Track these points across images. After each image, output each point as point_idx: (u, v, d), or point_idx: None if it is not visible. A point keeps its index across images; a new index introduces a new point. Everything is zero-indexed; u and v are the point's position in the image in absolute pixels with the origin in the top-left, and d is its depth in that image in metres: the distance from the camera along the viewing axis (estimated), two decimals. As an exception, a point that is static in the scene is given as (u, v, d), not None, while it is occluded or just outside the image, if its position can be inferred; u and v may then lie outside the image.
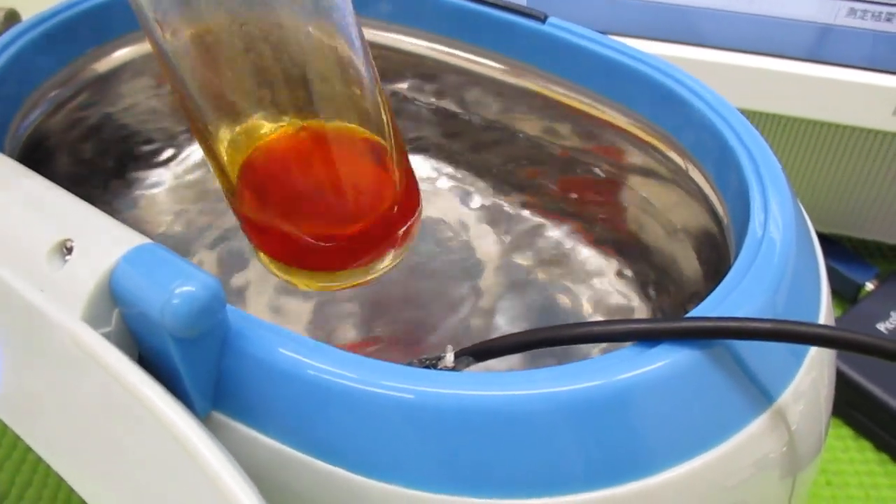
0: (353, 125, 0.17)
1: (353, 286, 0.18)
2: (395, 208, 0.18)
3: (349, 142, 0.17)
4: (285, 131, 0.17)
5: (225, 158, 0.17)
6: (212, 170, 0.18)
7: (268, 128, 0.17)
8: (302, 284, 0.18)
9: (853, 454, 0.27)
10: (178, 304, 0.12)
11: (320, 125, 0.17)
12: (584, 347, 0.21)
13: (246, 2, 0.16)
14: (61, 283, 0.13)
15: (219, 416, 0.14)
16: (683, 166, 0.20)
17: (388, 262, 0.18)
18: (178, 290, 0.12)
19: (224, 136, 0.17)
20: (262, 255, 0.18)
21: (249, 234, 0.18)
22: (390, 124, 0.18)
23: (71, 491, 0.21)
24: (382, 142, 0.18)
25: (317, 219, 0.17)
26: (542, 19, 0.22)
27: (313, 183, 0.18)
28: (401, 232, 0.18)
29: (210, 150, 0.17)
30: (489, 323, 0.22)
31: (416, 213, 0.19)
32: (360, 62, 0.17)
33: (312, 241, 0.17)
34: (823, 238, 0.31)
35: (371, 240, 0.18)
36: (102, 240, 0.13)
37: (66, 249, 0.13)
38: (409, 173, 0.19)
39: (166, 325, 0.12)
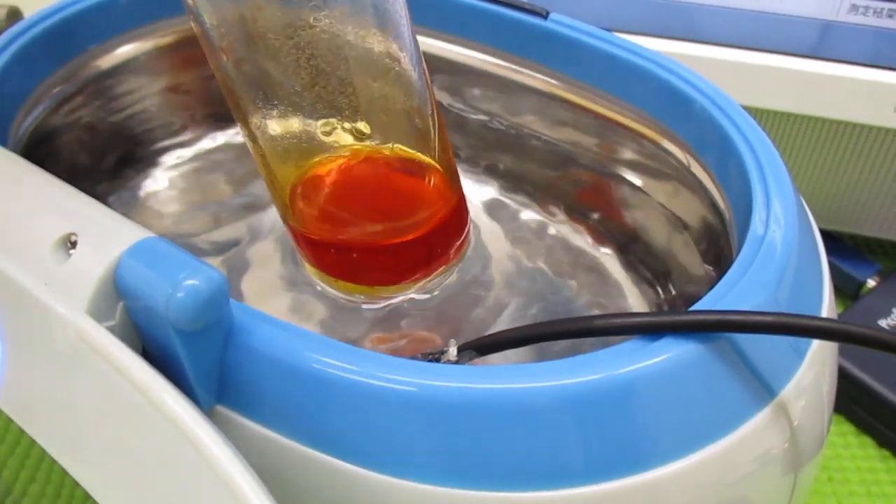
0: (410, 150, 0.18)
1: (397, 301, 0.19)
2: (445, 227, 0.18)
3: (405, 164, 0.18)
4: (345, 157, 0.17)
5: (276, 172, 0.18)
6: (266, 185, 0.18)
7: (324, 146, 0.17)
8: (351, 294, 0.19)
9: (855, 450, 0.27)
10: (183, 298, 0.12)
11: (377, 150, 0.17)
12: (591, 341, 0.21)
13: (300, 11, 0.16)
14: (66, 276, 0.13)
15: (222, 410, 0.15)
16: (686, 162, 0.20)
17: (436, 280, 0.19)
18: (183, 283, 0.12)
19: (277, 153, 0.17)
20: (311, 268, 0.19)
21: (303, 250, 0.18)
22: (444, 147, 0.18)
23: (75, 485, 0.21)
24: (435, 164, 0.18)
25: (370, 233, 0.18)
26: (545, 15, 0.22)
27: (369, 200, 0.18)
28: (451, 251, 0.19)
29: (266, 167, 0.17)
30: (493, 317, 0.22)
31: (465, 232, 0.19)
32: (417, 80, 0.17)
33: (364, 256, 0.18)
34: (825, 234, 0.31)
35: (421, 257, 0.18)
36: (106, 234, 0.13)
37: (70, 243, 0.13)
38: (459, 195, 0.19)
39: (171, 319, 0.12)
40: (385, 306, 0.20)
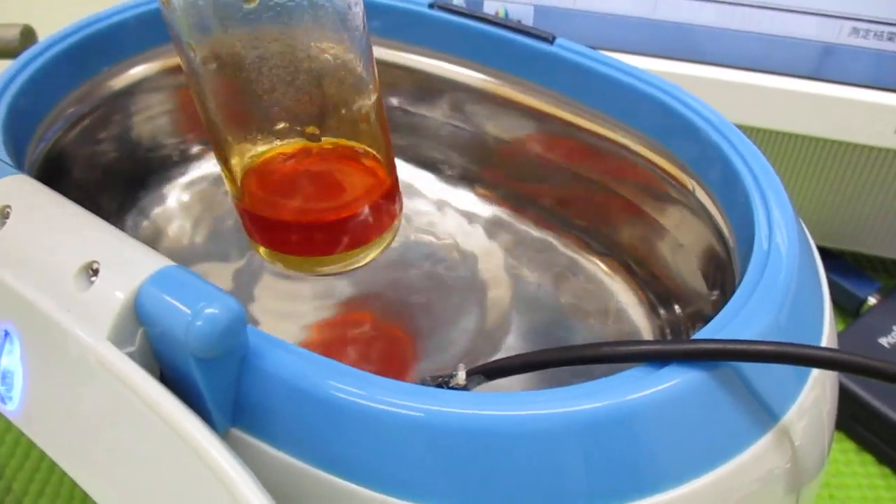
0: (353, 142, 0.20)
1: (340, 272, 0.20)
2: (378, 207, 0.20)
3: (345, 150, 0.20)
4: (291, 145, 0.19)
5: (235, 165, 0.19)
6: (222, 175, 0.20)
7: (276, 142, 0.19)
8: (296, 269, 0.20)
9: (856, 467, 0.27)
10: (202, 326, 0.13)
11: (325, 144, 0.19)
12: (600, 367, 0.21)
13: (268, 25, 0.17)
14: (88, 303, 0.13)
15: (237, 433, 0.15)
16: (689, 186, 0.21)
17: (371, 254, 0.21)
18: (203, 312, 0.13)
19: (237, 148, 0.19)
20: (260, 248, 0.20)
21: (250, 230, 0.20)
22: (384, 136, 0.20)
23: (85, 496, 0.21)
24: (374, 151, 0.20)
25: (311, 210, 0.20)
26: (551, 40, 0.22)
27: (310, 183, 0.20)
28: (382, 228, 0.20)
29: (222, 157, 0.19)
30: (496, 338, 0.23)
31: (396, 218, 0.21)
32: (369, 82, 0.19)
33: (304, 226, 0.19)
34: (826, 253, 0.32)
35: (354, 230, 0.20)
36: (128, 262, 0.14)
37: (92, 271, 0.14)
38: (393, 178, 0.21)
39: (190, 346, 0.13)
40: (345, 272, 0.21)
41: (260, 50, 0.17)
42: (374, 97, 0.19)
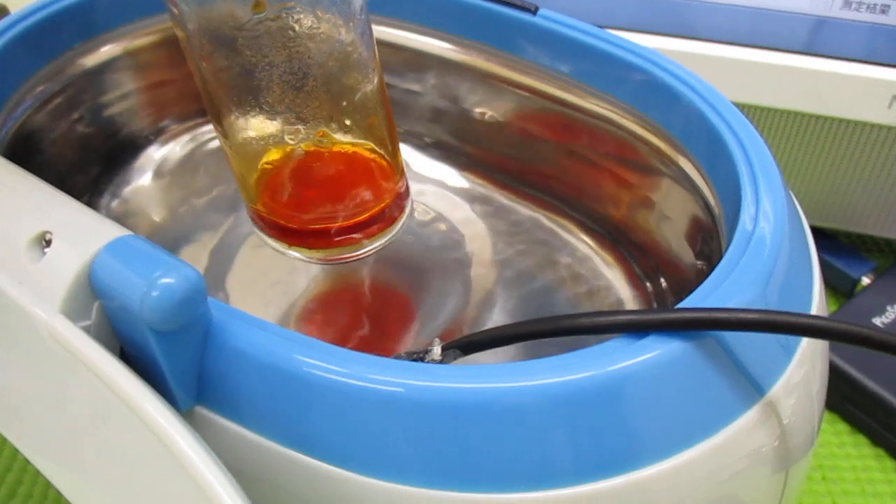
0: (360, 141, 0.20)
1: (345, 260, 0.21)
2: (387, 208, 0.20)
3: (356, 155, 0.20)
4: (302, 146, 0.19)
5: (233, 154, 0.19)
6: (229, 165, 0.20)
7: (280, 135, 0.19)
8: (300, 255, 0.20)
9: (849, 449, 0.27)
10: (158, 297, 0.12)
11: (333, 144, 0.19)
12: (586, 338, 0.21)
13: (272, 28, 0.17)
14: (40, 275, 0.13)
15: (202, 411, 0.14)
16: (675, 158, 0.20)
17: (379, 243, 0.21)
18: (158, 281, 0.12)
19: (241, 134, 0.19)
20: (264, 235, 0.21)
21: (263, 228, 0.20)
22: (392, 134, 0.20)
23: (49, 485, 0.21)
24: (383, 153, 0.20)
25: (323, 216, 0.20)
26: (533, 11, 0.22)
27: (324, 188, 0.20)
28: (393, 220, 0.21)
29: (234, 158, 0.19)
30: (482, 315, 0.22)
31: (405, 210, 0.21)
32: (371, 69, 0.19)
33: (319, 231, 0.20)
34: (820, 232, 0.31)
35: (369, 226, 0.20)
36: (82, 232, 0.13)
37: (45, 242, 0.13)
38: (401, 168, 0.21)
39: (145, 318, 0.12)
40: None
41: (263, 48, 0.17)
42: (377, 84, 0.19)
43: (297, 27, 0.17)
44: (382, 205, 0.20)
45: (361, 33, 0.18)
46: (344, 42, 0.18)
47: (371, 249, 0.21)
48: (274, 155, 0.19)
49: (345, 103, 0.18)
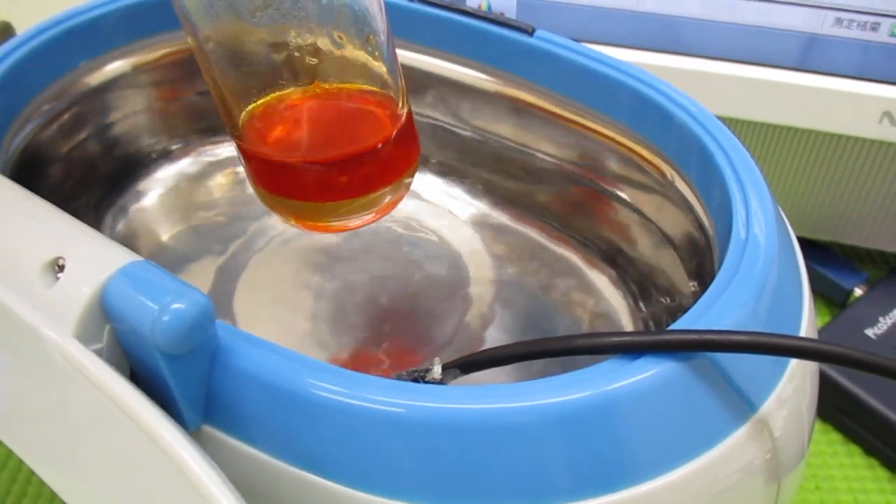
0: (361, 83, 0.19)
1: (356, 226, 0.19)
2: (393, 145, 0.19)
3: (355, 91, 0.19)
4: (297, 88, 0.18)
5: (237, 108, 0.18)
6: (221, 116, 0.19)
7: (279, 82, 0.18)
8: (306, 221, 0.19)
9: (842, 459, 0.27)
10: (169, 321, 0.13)
11: (330, 85, 0.18)
12: (582, 358, 0.21)
13: None
14: (53, 300, 0.13)
15: (210, 430, 0.15)
16: (669, 177, 0.21)
17: (386, 200, 0.19)
18: (169, 307, 0.13)
19: (238, 90, 0.18)
20: (270, 198, 0.19)
21: (256, 175, 0.19)
22: (398, 75, 0.19)
23: (53, 497, 0.21)
24: (387, 91, 0.19)
25: (319, 148, 0.19)
26: (531, 32, 0.22)
27: (322, 121, 0.19)
28: (400, 168, 0.19)
29: (221, 99, 0.18)
30: (481, 334, 0.23)
31: (414, 159, 0.20)
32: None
33: (314, 165, 0.18)
34: (813, 244, 0.32)
35: (369, 172, 0.19)
36: (94, 257, 0.13)
37: (58, 267, 0.13)
38: (409, 118, 0.20)
39: (156, 342, 0.13)
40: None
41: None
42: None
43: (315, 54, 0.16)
44: (383, 139, 0.18)
45: (387, 60, 0.18)
46: (366, 65, 0.17)
47: (371, 216, 0.19)
48: (269, 94, 0.18)
49: (339, 32, 0.17)
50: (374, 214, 0.19)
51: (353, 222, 0.19)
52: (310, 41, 0.18)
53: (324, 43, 0.18)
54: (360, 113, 0.19)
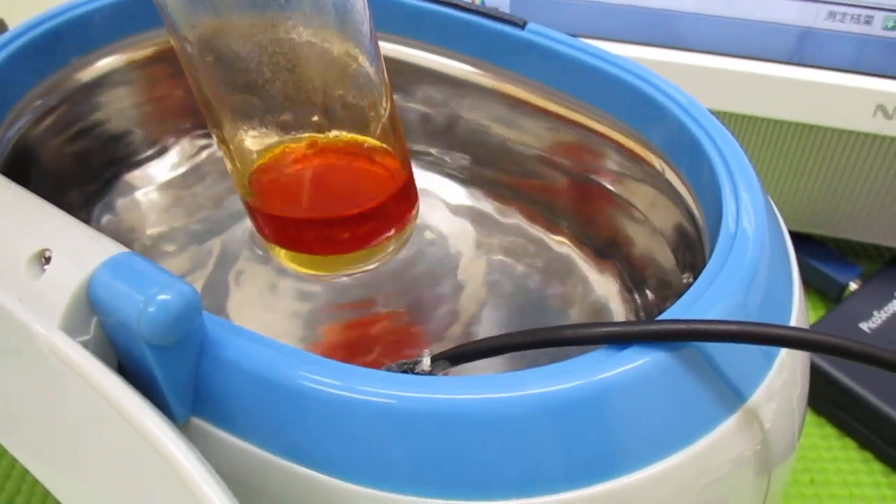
0: (361, 137, 0.19)
1: (357, 272, 0.20)
2: (393, 202, 0.20)
3: (356, 147, 0.19)
4: (298, 142, 0.19)
5: (242, 162, 0.19)
6: (228, 170, 0.19)
7: (280, 137, 0.19)
8: (310, 270, 0.20)
9: (837, 452, 0.27)
10: (154, 313, 0.12)
11: (331, 139, 0.19)
12: (572, 349, 0.21)
13: (264, 15, 0.17)
14: (39, 292, 0.13)
15: (198, 422, 0.15)
16: (660, 168, 0.21)
17: (389, 251, 0.20)
18: (154, 298, 0.13)
19: (242, 143, 0.19)
20: (274, 248, 0.20)
21: (261, 228, 0.20)
22: (397, 130, 0.20)
23: (46, 494, 0.21)
24: (386, 146, 0.19)
25: (322, 205, 0.19)
26: (522, 25, 0.22)
27: (325, 179, 0.19)
28: (400, 223, 0.20)
29: (228, 153, 0.19)
30: (472, 326, 0.23)
31: (414, 210, 0.21)
32: (374, 73, 0.18)
33: (317, 222, 0.19)
34: (808, 238, 0.32)
35: (370, 227, 0.19)
36: (80, 249, 0.13)
37: (44, 259, 0.13)
38: (408, 173, 0.20)
39: (142, 334, 0.13)
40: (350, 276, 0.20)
41: (258, 37, 0.17)
42: (382, 89, 0.19)
43: (299, 51, 0.17)
44: (384, 197, 0.19)
45: (370, 55, 0.18)
46: (352, 62, 0.18)
47: (378, 262, 0.19)
48: (271, 149, 0.19)
49: (354, 119, 0.18)
50: (376, 264, 0.20)
51: (354, 269, 0.20)
52: (313, 100, 0.18)
53: (328, 102, 0.18)
54: (361, 169, 0.19)
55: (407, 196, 0.20)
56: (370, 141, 0.19)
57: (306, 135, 0.18)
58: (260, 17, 0.16)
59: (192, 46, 0.17)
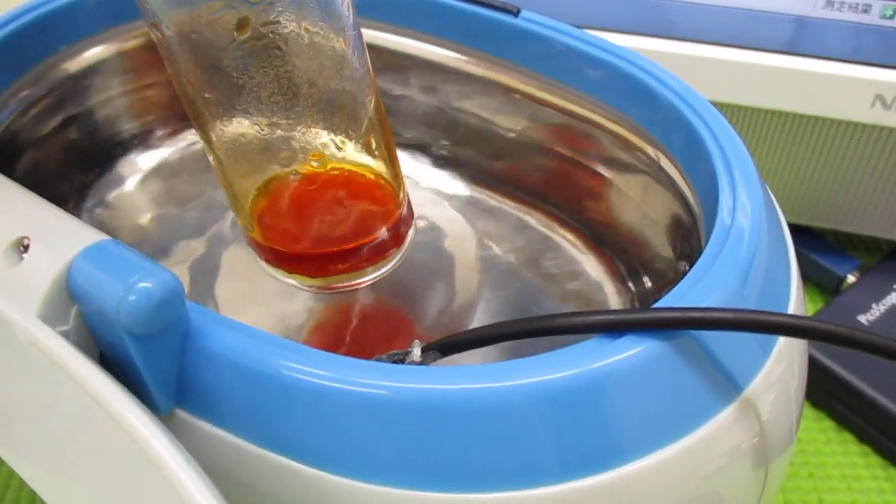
0: (359, 167, 0.19)
1: (351, 288, 0.20)
2: (395, 225, 0.20)
3: (354, 176, 0.19)
4: (301, 170, 0.19)
5: (242, 195, 0.19)
6: (225, 196, 0.19)
7: (274, 154, 0.18)
8: (306, 283, 0.20)
9: (835, 446, 0.27)
10: (135, 301, 0.12)
11: (332, 167, 0.19)
12: (566, 338, 0.21)
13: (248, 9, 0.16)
14: (17, 280, 0.13)
15: (182, 414, 0.14)
16: (655, 157, 0.20)
17: (386, 268, 0.20)
18: (135, 286, 0.12)
19: (232, 156, 0.18)
20: (263, 262, 0.20)
21: (257, 250, 0.20)
22: (391, 154, 0.20)
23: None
24: (385, 173, 0.19)
25: (323, 240, 0.19)
26: (515, 13, 0.22)
27: (325, 211, 0.19)
28: (399, 243, 0.20)
29: (228, 185, 0.19)
30: (465, 315, 0.22)
31: (409, 229, 0.21)
32: (358, 65, 0.18)
33: (316, 253, 0.19)
34: (806, 230, 0.32)
35: (370, 252, 0.19)
36: (59, 237, 0.13)
37: (22, 247, 0.13)
38: (405, 197, 0.20)
39: (122, 322, 0.12)
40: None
41: (250, 68, 0.17)
42: (367, 80, 0.19)
43: (284, 45, 0.16)
44: (384, 228, 0.19)
45: (353, 48, 0.18)
46: (335, 57, 0.17)
47: (374, 277, 0.20)
48: (269, 179, 0.19)
49: (338, 120, 0.18)
50: (375, 276, 0.20)
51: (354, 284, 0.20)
52: (313, 140, 0.18)
53: (326, 141, 0.18)
54: (360, 201, 0.19)
55: (406, 220, 0.20)
56: (364, 169, 0.19)
57: (303, 166, 0.18)
58: (241, 11, 0.16)
59: (179, 58, 0.17)
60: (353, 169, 0.19)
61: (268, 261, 0.20)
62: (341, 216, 0.19)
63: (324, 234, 0.19)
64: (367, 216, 0.19)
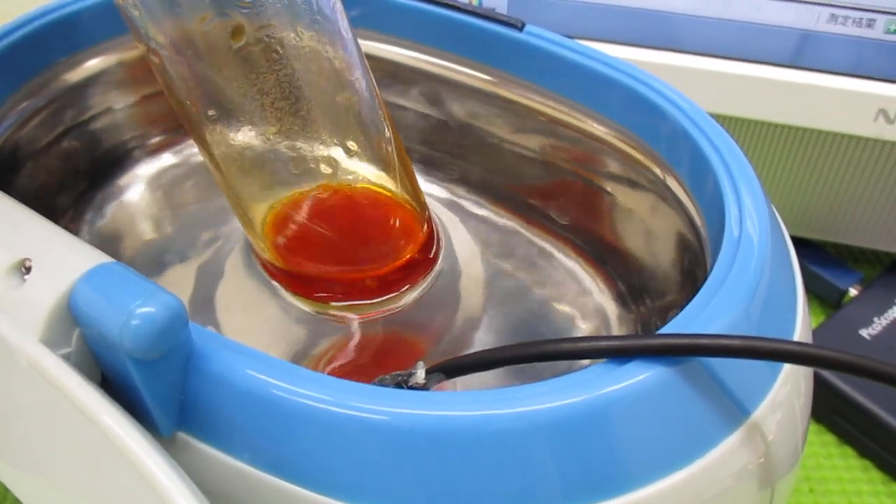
0: (378, 187, 0.19)
1: (369, 316, 0.19)
2: (416, 255, 0.19)
3: (376, 200, 0.19)
4: (314, 191, 0.18)
5: (255, 219, 0.18)
6: (239, 222, 0.19)
7: (293, 181, 0.18)
8: (321, 311, 0.19)
9: (836, 461, 0.27)
10: (138, 326, 0.12)
11: (349, 187, 0.18)
12: (570, 361, 0.21)
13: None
14: (19, 303, 0.13)
15: (184, 437, 0.14)
16: (660, 175, 0.20)
17: (409, 299, 0.20)
18: (138, 310, 0.12)
19: (255, 201, 0.18)
20: (279, 286, 0.20)
21: (276, 278, 0.19)
22: (409, 174, 0.19)
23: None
24: (406, 196, 0.19)
25: (345, 265, 0.19)
26: (520, 27, 0.22)
27: (342, 237, 0.19)
28: (422, 270, 0.20)
29: (238, 207, 0.18)
30: (469, 336, 0.22)
31: (436, 256, 0.20)
32: (361, 77, 0.18)
33: (338, 282, 0.18)
34: (808, 243, 0.32)
35: (394, 281, 0.19)
36: (61, 259, 0.13)
37: (24, 269, 0.13)
38: (428, 219, 0.20)
39: (125, 347, 0.12)
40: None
41: (255, 79, 0.16)
42: (380, 112, 0.18)
43: (280, 48, 0.16)
44: (409, 254, 0.19)
45: (350, 52, 0.18)
46: (334, 60, 0.17)
47: (401, 305, 0.19)
48: (282, 198, 0.18)
49: (345, 127, 0.18)
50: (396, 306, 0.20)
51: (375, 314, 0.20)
52: (322, 150, 0.17)
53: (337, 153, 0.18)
54: (384, 221, 0.19)
55: (428, 243, 0.20)
56: (389, 192, 0.18)
57: (317, 183, 0.18)
58: (234, 18, 0.16)
59: (174, 70, 0.16)
60: (369, 187, 0.18)
61: (287, 286, 0.19)
62: (359, 240, 0.19)
63: (342, 261, 0.19)
64: (396, 236, 0.19)
